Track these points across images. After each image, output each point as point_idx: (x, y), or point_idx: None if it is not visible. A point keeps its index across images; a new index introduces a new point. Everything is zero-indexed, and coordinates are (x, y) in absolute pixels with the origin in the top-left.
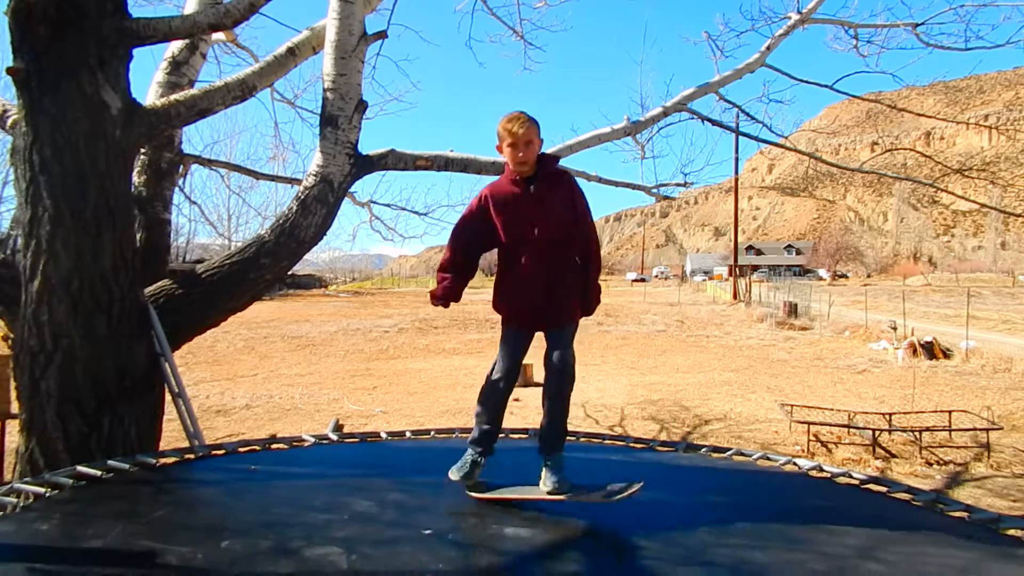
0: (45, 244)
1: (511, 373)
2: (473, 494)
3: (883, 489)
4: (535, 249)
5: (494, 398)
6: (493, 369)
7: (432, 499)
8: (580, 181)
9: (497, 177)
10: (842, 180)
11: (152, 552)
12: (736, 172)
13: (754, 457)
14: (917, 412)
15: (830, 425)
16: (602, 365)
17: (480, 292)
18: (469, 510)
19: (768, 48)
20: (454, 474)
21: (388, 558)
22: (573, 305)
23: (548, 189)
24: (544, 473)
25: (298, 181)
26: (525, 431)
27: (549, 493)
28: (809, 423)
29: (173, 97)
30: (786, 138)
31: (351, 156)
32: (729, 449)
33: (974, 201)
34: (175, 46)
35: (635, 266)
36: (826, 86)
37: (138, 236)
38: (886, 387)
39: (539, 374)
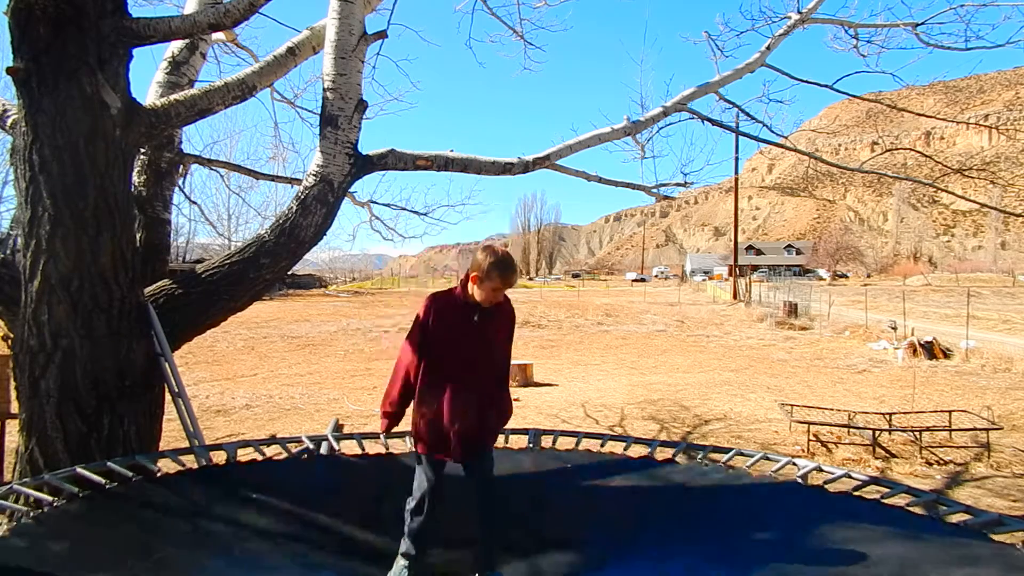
0: (45, 244)
1: (437, 499)
2: None
3: (883, 490)
4: (470, 368)
5: (426, 520)
6: (416, 499)
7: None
8: (579, 181)
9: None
10: (842, 180)
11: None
12: (736, 172)
13: (754, 457)
14: (917, 412)
15: (830, 425)
16: (602, 365)
17: None
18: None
19: (768, 48)
20: None
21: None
22: (495, 433)
23: (494, 312)
24: None
25: (298, 181)
26: (525, 431)
27: None
28: (809, 423)
29: (173, 97)
30: (786, 138)
31: (351, 156)
32: (729, 449)
33: (974, 201)
34: (175, 46)
35: (635, 266)
36: (826, 86)
37: (138, 236)
38: (886, 387)
39: (539, 374)
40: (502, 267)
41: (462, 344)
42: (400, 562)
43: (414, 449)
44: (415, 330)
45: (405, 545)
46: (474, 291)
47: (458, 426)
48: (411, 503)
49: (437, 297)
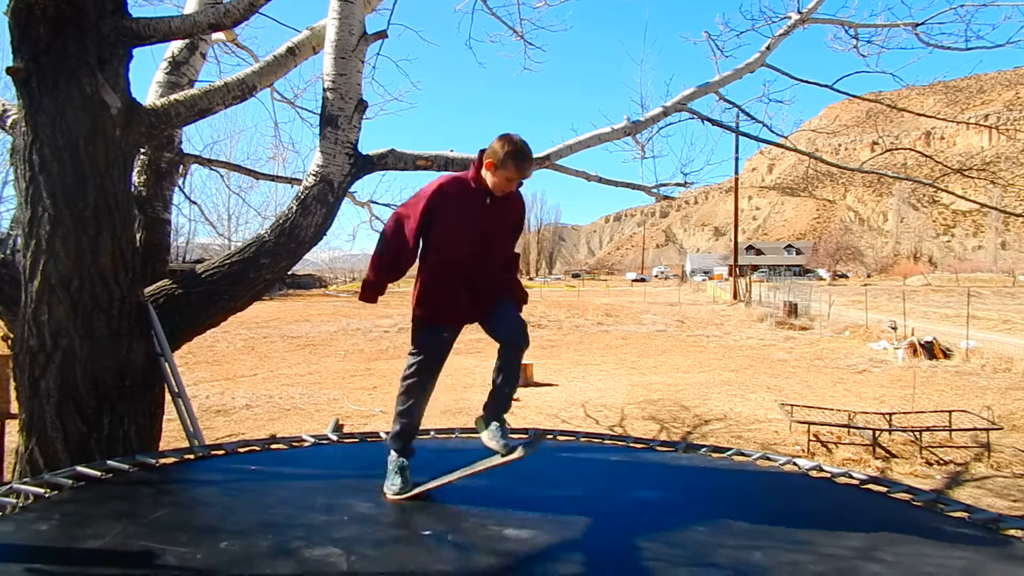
0: (45, 244)
1: (437, 371)
2: (418, 490)
3: (883, 489)
4: (478, 250)
5: (421, 397)
6: (416, 367)
7: (428, 500)
8: (579, 181)
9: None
10: (842, 180)
11: (151, 552)
12: (736, 172)
13: (754, 457)
14: (917, 412)
15: (830, 425)
16: (602, 365)
17: None
18: (468, 511)
19: (768, 48)
20: (389, 492)
21: (387, 559)
22: (508, 285)
23: (503, 201)
24: (493, 433)
25: (298, 181)
26: (525, 431)
27: (504, 454)
28: (809, 423)
29: (173, 97)
30: (786, 138)
31: (351, 156)
32: (729, 449)
33: (974, 201)
34: (175, 46)
35: (635, 266)
36: (826, 86)
37: (138, 236)
38: (886, 387)
39: (539, 374)
40: (518, 156)
41: (471, 227)
42: (393, 461)
43: (420, 320)
44: (415, 210)
45: (393, 436)
46: (487, 177)
47: (464, 294)
48: (408, 377)
49: (447, 181)
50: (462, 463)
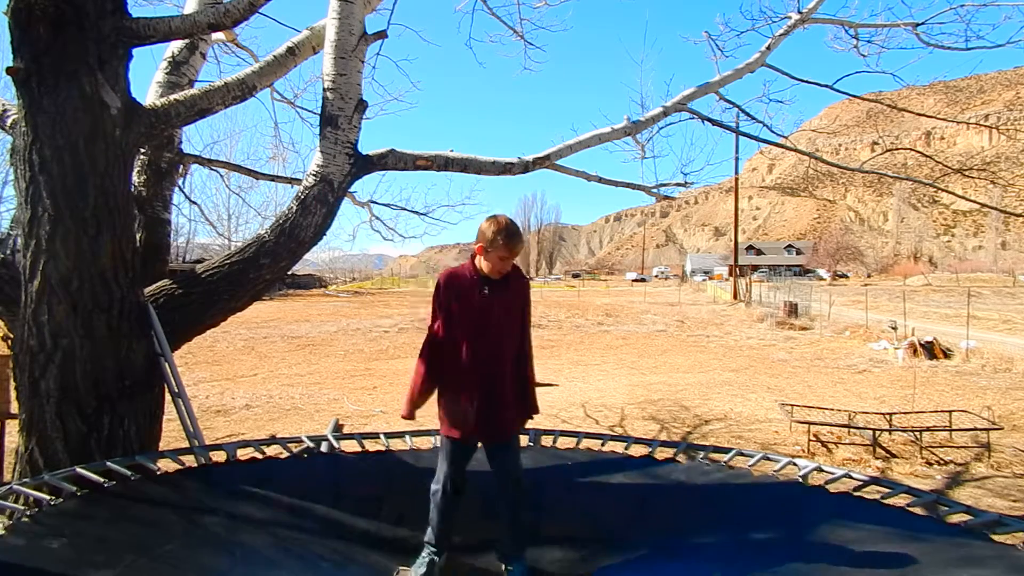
0: (45, 244)
1: (459, 481)
2: None
3: (883, 490)
4: (486, 344)
5: (448, 505)
6: (440, 480)
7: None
8: (579, 181)
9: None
10: (842, 180)
11: (147, 560)
12: (736, 172)
13: (755, 458)
14: (917, 412)
15: (830, 425)
16: (602, 365)
17: None
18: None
19: (768, 48)
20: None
21: None
22: (519, 414)
23: (503, 285)
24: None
25: (298, 181)
26: (525, 431)
27: None
28: (809, 423)
29: (173, 97)
30: (786, 138)
31: (351, 156)
32: (730, 449)
33: (974, 201)
34: (175, 46)
35: (635, 266)
36: (826, 86)
37: (138, 236)
38: (886, 387)
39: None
40: (507, 234)
41: (474, 319)
42: (425, 551)
43: (441, 432)
44: (434, 310)
45: (429, 533)
46: (481, 263)
47: (476, 404)
48: (434, 488)
49: (449, 273)
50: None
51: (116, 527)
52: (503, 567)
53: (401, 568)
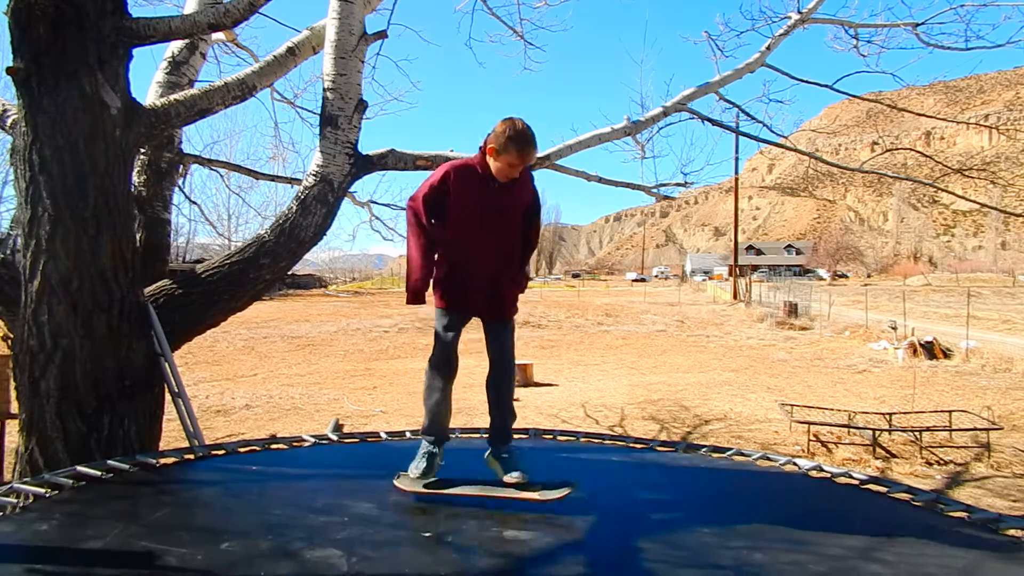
0: (45, 244)
1: (454, 356)
2: (432, 490)
3: (883, 489)
4: (489, 237)
5: (444, 384)
6: (434, 355)
7: (431, 501)
8: (579, 181)
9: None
10: (842, 180)
11: (151, 553)
12: (736, 172)
13: (754, 457)
14: (917, 412)
15: (830, 425)
16: (602, 365)
17: None
18: (469, 512)
19: (768, 48)
20: (413, 474)
21: (387, 560)
22: (515, 298)
23: (510, 186)
24: (502, 465)
25: (298, 181)
26: (525, 431)
27: (516, 485)
28: (809, 423)
29: (173, 97)
30: (786, 138)
31: (351, 156)
32: (729, 449)
33: (974, 201)
34: (175, 46)
35: (635, 266)
36: (826, 86)
37: (138, 236)
38: (886, 387)
39: (539, 374)
40: (519, 140)
41: (478, 213)
42: (422, 446)
43: (436, 305)
44: (430, 193)
45: (424, 425)
46: (490, 163)
47: (477, 281)
48: (432, 361)
49: (458, 166)
50: (466, 463)
51: (105, 506)
52: (497, 461)
53: (401, 473)
